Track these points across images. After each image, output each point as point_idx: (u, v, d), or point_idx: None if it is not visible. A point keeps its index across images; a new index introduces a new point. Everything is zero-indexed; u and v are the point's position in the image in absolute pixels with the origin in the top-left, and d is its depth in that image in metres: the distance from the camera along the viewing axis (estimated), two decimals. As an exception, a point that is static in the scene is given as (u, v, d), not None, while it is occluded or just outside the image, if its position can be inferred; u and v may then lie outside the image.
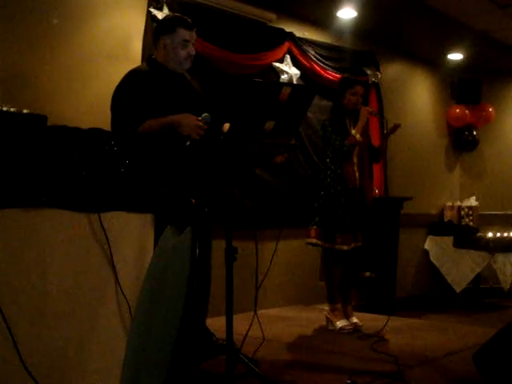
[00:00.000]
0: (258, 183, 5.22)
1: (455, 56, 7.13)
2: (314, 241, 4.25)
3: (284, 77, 5.51)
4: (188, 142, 2.81)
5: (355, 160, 4.32)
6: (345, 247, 4.20)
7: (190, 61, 3.22)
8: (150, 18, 4.53)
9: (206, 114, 2.89)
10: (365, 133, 4.39)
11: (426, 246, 7.16)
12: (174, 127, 2.88)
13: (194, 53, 3.24)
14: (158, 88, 3.09)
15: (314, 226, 4.25)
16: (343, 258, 4.28)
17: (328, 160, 4.31)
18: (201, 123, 2.86)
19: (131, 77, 3.12)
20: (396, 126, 4.41)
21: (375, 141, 5.25)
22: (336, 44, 6.13)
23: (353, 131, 4.23)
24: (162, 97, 3.07)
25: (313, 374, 3.19)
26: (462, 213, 7.38)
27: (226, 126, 3.16)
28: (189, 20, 3.27)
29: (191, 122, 2.86)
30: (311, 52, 5.76)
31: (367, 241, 4.38)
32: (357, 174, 4.30)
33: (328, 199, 4.25)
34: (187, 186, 2.98)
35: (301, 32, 5.73)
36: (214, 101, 3.41)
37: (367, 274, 5.64)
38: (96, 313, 2.32)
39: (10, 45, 3.79)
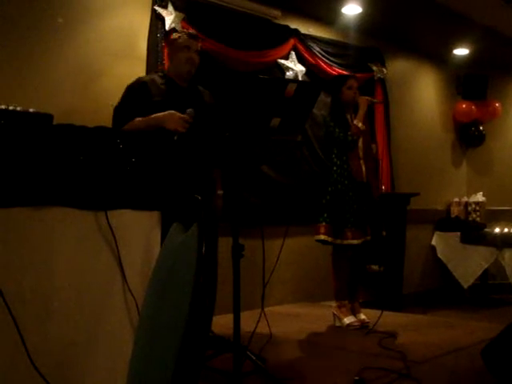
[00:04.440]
0: (265, 180, 5.22)
1: (461, 51, 7.10)
2: (322, 237, 4.23)
3: (289, 73, 5.50)
4: (175, 137, 2.99)
5: (361, 154, 4.33)
6: (355, 241, 4.20)
7: (190, 65, 3.42)
8: (155, 16, 4.53)
9: (190, 109, 3.07)
10: (367, 126, 4.42)
11: (433, 242, 7.14)
12: (159, 124, 3.08)
13: (195, 60, 3.43)
14: (156, 94, 3.30)
15: (323, 223, 4.24)
16: (352, 253, 4.29)
17: (333, 156, 4.32)
18: (185, 117, 3.06)
19: (137, 81, 3.38)
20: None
21: (380, 131, 5.28)
22: (341, 40, 6.11)
23: (355, 121, 4.26)
24: (157, 102, 3.25)
25: (320, 371, 3.19)
26: (469, 208, 7.36)
27: None
28: (191, 31, 3.56)
29: (175, 117, 3.07)
30: (316, 48, 5.75)
31: (375, 235, 4.38)
32: (363, 167, 4.31)
33: (336, 194, 4.25)
34: (193, 182, 3.02)
35: (306, 29, 5.72)
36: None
37: (375, 267, 5.63)
38: (103, 310, 2.33)
39: (15, 43, 3.80)
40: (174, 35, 3.57)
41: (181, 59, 3.41)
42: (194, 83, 3.51)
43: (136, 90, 3.32)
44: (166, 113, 3.12)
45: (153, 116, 3.14)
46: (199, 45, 3.51)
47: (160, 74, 3.51)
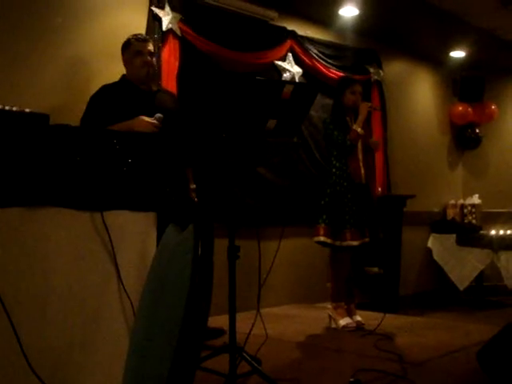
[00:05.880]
0: (261, 182, 5.22)
1: (458, 54, 7.12)
2: (321, 239, 4.23)
3: (286, 75, 5.51)
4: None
5: (360, 156, 4.35)
6: (354, 243, 4.20)
7: (147, 68, 3.53)
8: (152, 16, 4.54)
9: (158, 114, 3.22)
10: (367, 130, 4.43)
11: (429, 244, 7.14)
12: (129, 130, 3.14)
13: (150, 61, 3.55)
14: (120, 101, 3.41)
15: (323, 224, 4.24)
16: (351, 255, 4.29)
17: (332, 158, 4.33)
18: (154, 121, 3.19)
19: (100, 90, 3.49)
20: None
21: (377, 135, 5.30)
22: (338, 42, 6.12)
23: (354, 126, 4.27)
24: (121, 108, 3.35)
25: (316, 373, 3.19)
26: (465, 211, 7.37)
27: None
28: (139, 35, 3.65)
29: (143, 122, 3.19)
30: (313, 50, 5.76)
31: (373, 237, 4.38)
32: (362, 170, 4.33)
33: (335, 196, 4.25)
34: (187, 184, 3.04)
35: (303, 30, 5.73)
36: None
37: (375, 269, 5.64)
38: (99, 311, 2.32)
39: (13, 43, 3.79)
40: (127, 42, 3.62)
41: (136, 65, 3.52)
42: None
43: (99, 100, 3.42)
44: (133, 120, 3.23)
45: (123, 123, 3.21)
46: (150, 45, 3.59)
47: (122, 79, 3.58)
